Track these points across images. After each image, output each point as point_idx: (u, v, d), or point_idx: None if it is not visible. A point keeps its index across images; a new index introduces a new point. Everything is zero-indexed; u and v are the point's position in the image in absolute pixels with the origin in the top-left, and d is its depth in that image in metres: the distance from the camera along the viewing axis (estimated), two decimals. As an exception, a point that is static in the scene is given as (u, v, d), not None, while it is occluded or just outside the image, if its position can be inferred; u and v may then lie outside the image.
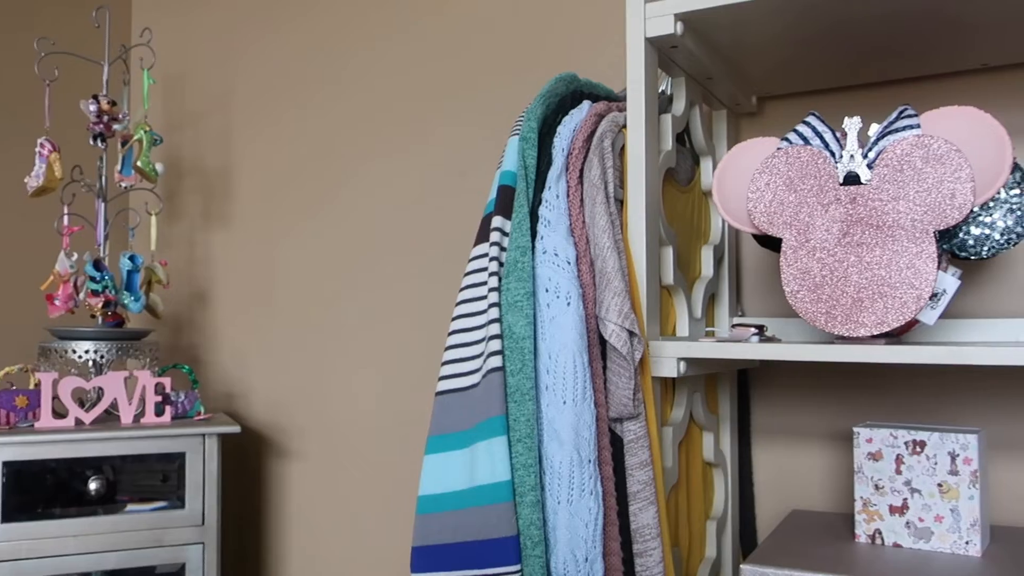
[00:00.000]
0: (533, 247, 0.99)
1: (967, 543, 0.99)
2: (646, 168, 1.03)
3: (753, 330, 1.06)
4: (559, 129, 1.04)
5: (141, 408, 1.52)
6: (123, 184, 1.65)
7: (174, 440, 1.48)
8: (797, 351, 0.95)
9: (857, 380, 1.28)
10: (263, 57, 1.90)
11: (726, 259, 1.32)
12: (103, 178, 1.67)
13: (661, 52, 1.08)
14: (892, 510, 1.03)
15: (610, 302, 0.95)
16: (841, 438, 1.29)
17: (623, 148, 1.06)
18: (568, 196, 1.01)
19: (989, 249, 0.96)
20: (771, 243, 1.08)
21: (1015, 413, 1.18)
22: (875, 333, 0.91)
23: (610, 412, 0.97)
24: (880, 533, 1.04)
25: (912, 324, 0.96)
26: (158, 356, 1.65)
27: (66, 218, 1.61)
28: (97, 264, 1.58)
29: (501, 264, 0.99)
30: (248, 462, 1.86)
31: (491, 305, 0.97)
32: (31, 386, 1.51)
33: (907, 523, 1.02)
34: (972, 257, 0.97)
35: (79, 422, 1.48)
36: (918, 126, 0.92)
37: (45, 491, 1.55)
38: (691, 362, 1.03)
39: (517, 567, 0.92)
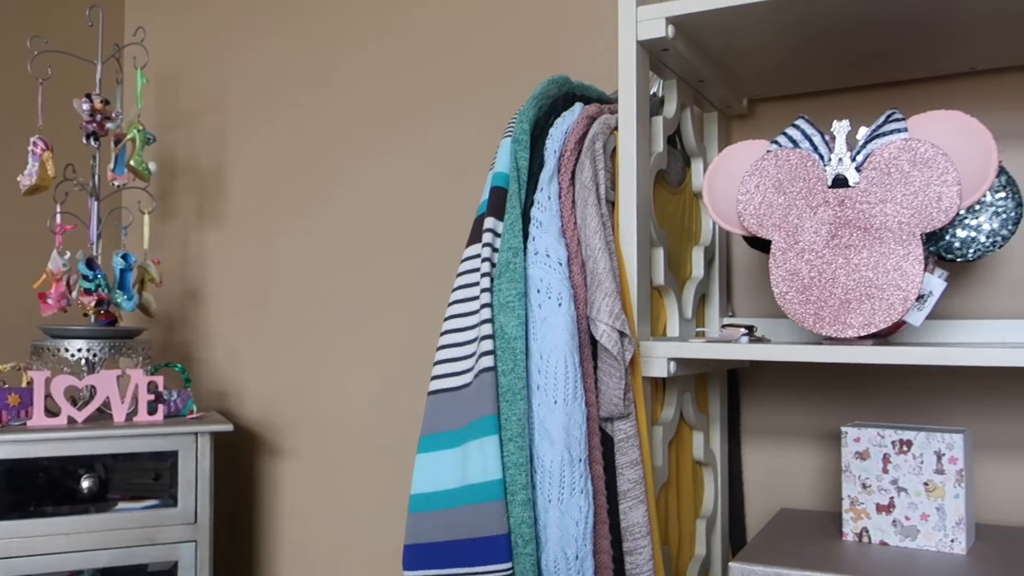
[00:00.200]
0: (525, 248, 1.00)
1: (952, 541, 1.00)
2: (637, 170, 1.04)
3: (743, 330, 1.08)
4: (551, 131, 1.05)
5: (134, 407, 1.52)
6: (116, 183, 1.66)
7: (167, 439, 1.48)
8: (786, 352, 0.96)
9: (845, 380, 1.29)
10: (257, 56, 1.91)
11: (717, 260, 1.33)
12: (96, 177, 1.67)
13: (652, 55, 1.09)
14: (879, 508, 1.04)
15: (601, 303, 0.96)
16: (829, 437, 1.30)
17: (615, 150, 1.07)
18: (560, 197, 1.02)
19: (975, 251, 0.97)
20: (761, 244, 1.10)
21: (1000, 413, 1.19)
22: (863, 334, 0.92)
23: (601, 411, 0.98)
24: (867, 531, 1.05)
25: (899, 325, 0.97)
26: (151, 355, 1.66)
27: (59, 217, 1.61)
28: (90, 263, 1.58)
29: (493, 265, 1.00)
30: (241, 460, 1.86)
31: (483, 305, 0.98)
32: (24, 384, 1.51)
33: (894, 521, 1.03)
34: (958, 259, 0.98)
35: (72, 420, 1.48)
36: (905, 130, 0.93)
37: (38, 489, 1.55)
38: (681, 362, 1.04)
39: (508, 565, 0.93)
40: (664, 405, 1.12)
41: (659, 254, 1.10)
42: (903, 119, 0.94)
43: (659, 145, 1.12)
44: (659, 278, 1.10)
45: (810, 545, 1.04)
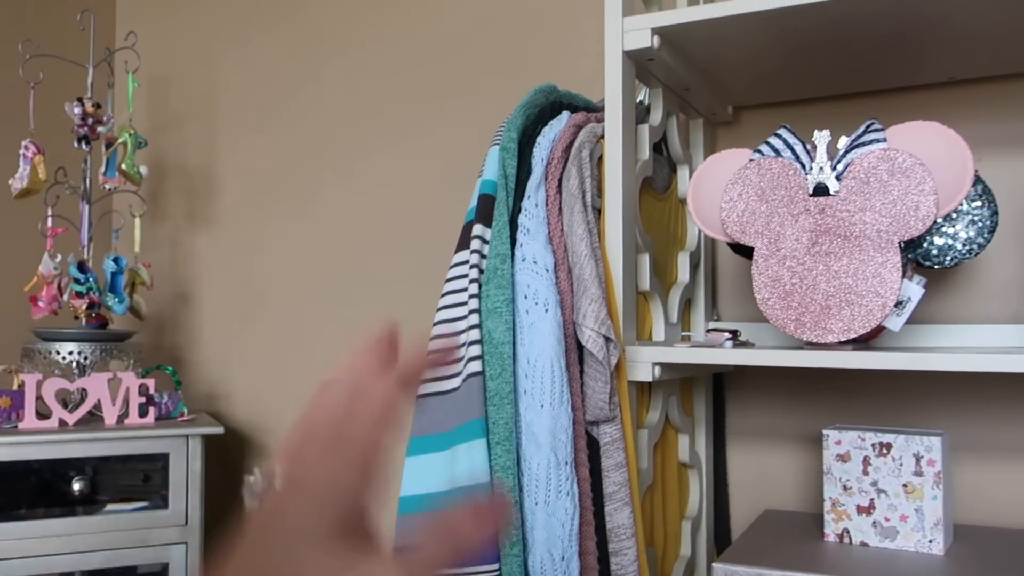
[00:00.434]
0: (512, 254, 1.02)
1: (931, 542, 1.02)
2: (623, 177, 1.06)
3: (727, 335, 1.10)
4: (538, 139, 1.07)
5: (125, 409, 1.53)
6: (107, 186, 1.67)
7: (157, 441, 1.49)
8: (769, 356, 0.98)
9: (827, 384, 1.31)
10: (247, 60, 1.92)
11: (702, 265, 1.35)
12: (87, 180, 1.68)
13: (639, 64, 1.11)
14: (859, 510, 1.06)
15: (587, 308, 0.98)
16: (811, 440, 1.32)
17: (601, 158, 1.09)
18: (547, 205, 1.04)
19: (952, 259, 1.00)
20: (744, 251, 1.12)
21: (977, 416, 1.22)
22: (843, 339, 0.94)
23: (587, 415, 1.00)
24: (848, 532, 1.07)
25: (879, 330, 0.99)
26: (142, 357, 1.66)
27: (50, 220, 1.62)
28: (81, 266, 1.59)
29: (481, 271, 1.02)
30: (231, 462, 1.87)
31: (471, 311, 0.99)
32: (15, 387, 1.52)
33: (874, 522, 1.05)
34: (936, 266, 1.01)
35: (63, 423, 1.49)
36: (884, 140, 0.95)
37: (29, 492, 1.56)
38: (666, 366, 1.06)
39: (496, 566, 0.94)
40: (649, 408, 1.14)
41: (645, 260, 1.12)
42: (882, 129, 0.96)
43: (645, 153, 1.14)
44: (645, 283, 1.12)
45: (792, 546, 1.06)
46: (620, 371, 1.02)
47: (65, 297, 1.59)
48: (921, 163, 0.92)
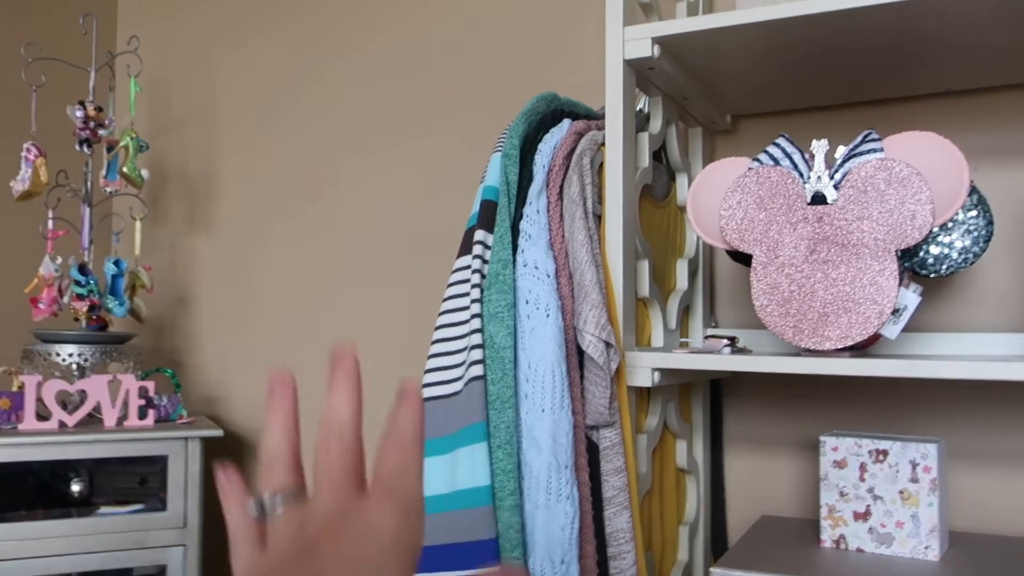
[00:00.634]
0: (514, 260, 1.03)
1: (926, 548, 1.03)
2: (623, 185, 1.07)
3: (725, 341, 1.11)
4: (540, 147, 1.08)
5: (124, 411, 1.54)
6: (108, 189, 1.67)
7: (157, 443, 1.50)
8: (767, 363, 0.99)
9: (824, 391, 1.32)
10: (247, 64, 1.93)
11: (700, 272, 1.36)
12: (89, 183, 1.69)
13: (639, 73, 1.12)
14: (856, 516, 1.07)
15: (588, 314, 0.99)
16: (808, 446, 1.33)
17: (601, 165, 1.10)
18: (548, 211, 1.05)
19: (948, 267, 1.01)
20: (743, 258, 1.13)
21: (973, 423, 1.23)
22: (840, 347, 0.95)
23: (587, 420, 1.01)
24: (844, 538, 1.08)
25: (876, 338, 1.00)
26: (141, 360, 1.67)
27: (51, 222, 1.63)
28: (82, 268, 1.60)
29: (483, 276, 1.03)
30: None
31: (473, 316, 1.00)
32: (15, 388, 1.52)
33: (870, 529, 1.06)
34: (932, 275, 1.02)
35: (63, 425, 1.49)
36: (882, 149, 0.97)
37: (28, 493, 1.56)
38: (665, 372, 1.07)
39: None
40: (648, 414, 1.15)
41: (644, 266, 1.13)
42: (879, 139, 0.97)
43: (645, 160, 1.15)
44: (644, 290, 1.13)
45: (789, 551, 1.07)
46: (620, 376, 1.03)
47: (65, 299, 1.60)
48: (918, 173, 0.93)
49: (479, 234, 1.04)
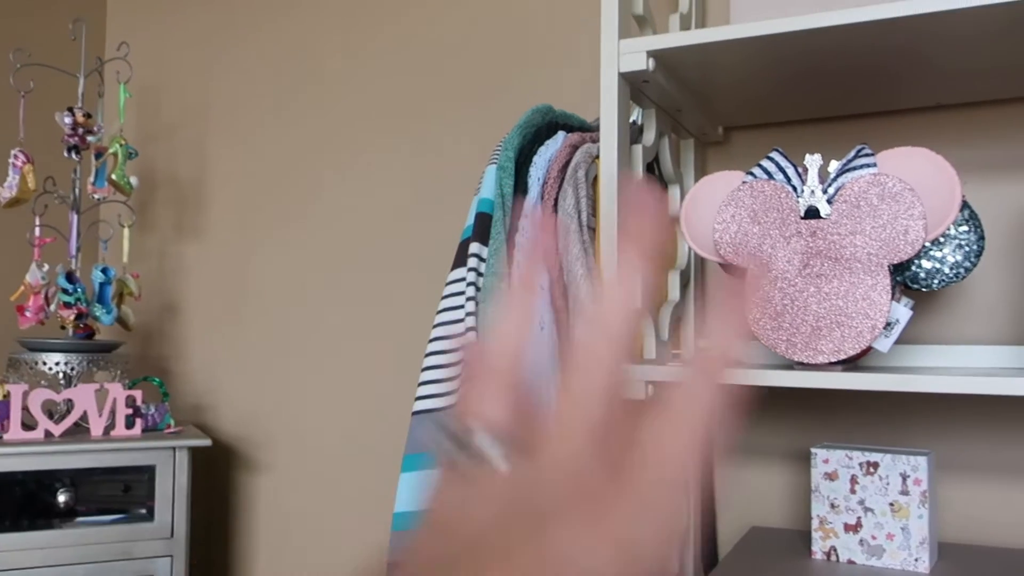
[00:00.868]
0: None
1: (916, 560, 1.04)
2: (618, 197, 1.07)
3: (717, 354, 1.11)
4: (535, 159, 1.08)
5: (111, 420, 1.52)
6: (96, 196, 1.66)
7: (144, 453, 1.49)
8: (759, 376, 1.00)
9: (815, 403, 1.33)
10: (238, 71, 1.92)
11: (692, 284, 1.36)
12: (77, 190, 1.68)
13: (633, 86, 1.12)
14: (847, 528, 1.08)
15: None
16: (800, 458, 1.34)
17: (596, 178, 1.10)
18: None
19: (939, 282, 1.01)
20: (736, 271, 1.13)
21: (963, 436, 1.24)
22: (832, 360, 0.96)
23: (580, 433, 1.01)
24: (835, 550, 1.08)
25: (868, 351, 1.01)
26: (129, 368, 1.66)
27: (38, 229, 1.61)
28: (70, 276, 1.58)
29: (478, 288, 1.03)
30: (217, 474, 1.86)
31: (468, 329, 1.00)
32: (0, 398, 1.51)
33: (860, 540, 1.07)
34: (924, 289, 1.02)
35: (48, 434, 1.48)
36: (875, 164, 0.97)
37: (13, 503, 1.54)
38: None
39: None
40: (640, 426, 1.15)
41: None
42: (872, 154, 0.98)
43: (639, 173, 1.15)
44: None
45: (780, 563, 1.07)
46: (613, 389, 1.03)
47: (52, 307, 1.58)
48: (911, 188, 0.94)
49: (474, 246, 1.04)
